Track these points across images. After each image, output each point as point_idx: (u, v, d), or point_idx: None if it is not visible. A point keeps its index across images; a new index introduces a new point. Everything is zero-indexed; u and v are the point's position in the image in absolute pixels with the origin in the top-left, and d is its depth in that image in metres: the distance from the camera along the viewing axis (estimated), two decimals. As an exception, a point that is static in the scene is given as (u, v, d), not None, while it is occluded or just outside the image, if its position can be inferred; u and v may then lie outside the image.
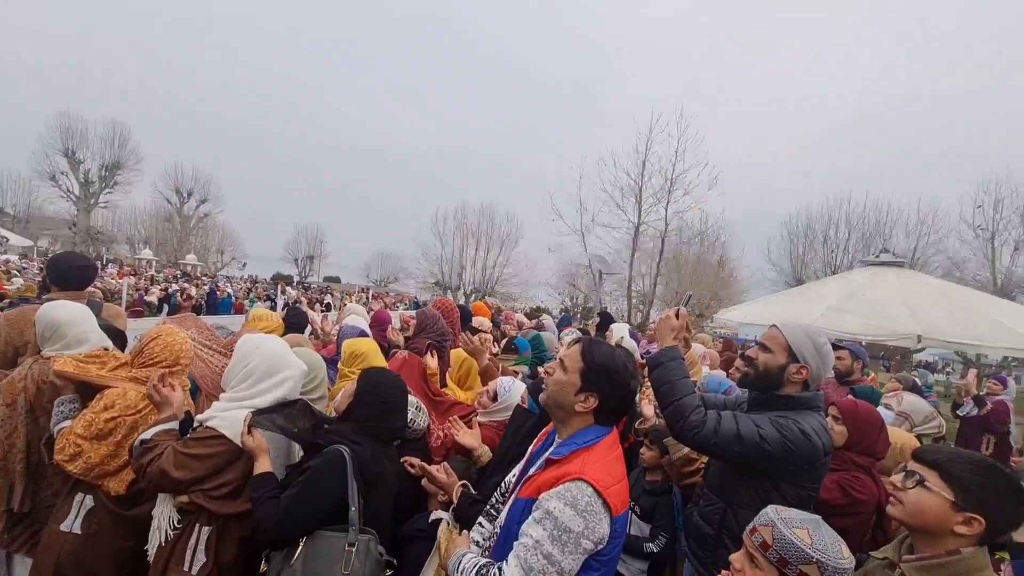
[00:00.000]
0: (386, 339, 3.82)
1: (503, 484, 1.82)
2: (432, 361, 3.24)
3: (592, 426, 1.54)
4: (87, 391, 2.14)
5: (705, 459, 2.27)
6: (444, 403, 3.05)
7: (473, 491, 1.98)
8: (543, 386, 1.70)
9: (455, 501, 1.91)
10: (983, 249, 21.38)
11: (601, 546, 1.38)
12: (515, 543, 1.40)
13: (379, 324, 4.01)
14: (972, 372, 7.40)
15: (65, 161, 33.74)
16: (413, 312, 5.79)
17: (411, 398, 2.63)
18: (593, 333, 5.20)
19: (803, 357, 1.89)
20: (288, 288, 28.20)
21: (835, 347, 4.21)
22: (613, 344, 2.91)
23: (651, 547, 2.40)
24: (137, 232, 40.14)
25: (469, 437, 2.54)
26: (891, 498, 1.43)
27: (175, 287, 18.91)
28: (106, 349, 2.36)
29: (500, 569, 1.39)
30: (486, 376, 3.44)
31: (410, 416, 2.53)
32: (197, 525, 1.81)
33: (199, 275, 30.11)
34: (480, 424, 2.77)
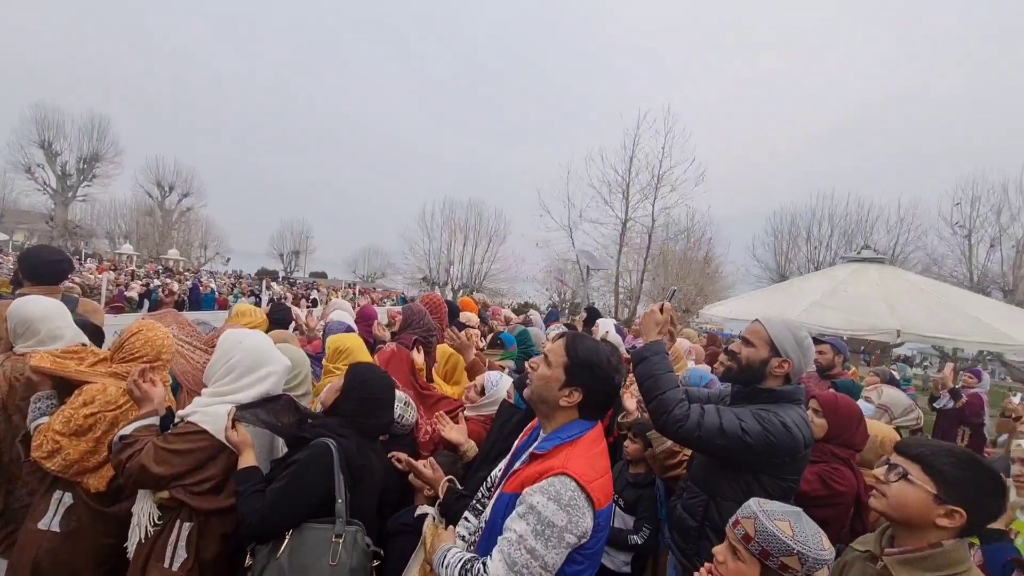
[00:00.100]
0: (372, 335, 3.80)
1: (489, 479, 1.83)
2: (418, 357, 3.22)
3: (576, 420, 1.55)
4: (64, 387, 2.09)
5: (688, 452, 2.30)
6: (432, 397, 3.05)
7: (459, 486, 1.98)
8: (528, 381, 1.70)
9: (441, 496, 1.91)
10: (960, 246, 21.92)
11: (585, 540, 1.39)
12: (499, 538, 1.41)
13: (365, 320, 3.98)
14: (949, 366, 7.58)
15: (41, 153, 32.77)
16: (400, 308, 5.76)
17: (400, 393, 2.62)
18: (580, 328, 5.22)
19: (785, 351, 1.91)
20: (273, 284, 27.88)
21: (817, 341, 4.29)
22: (599, 339, 2.92)
23: (635, 539, 2.42)
24: (117, 226, 39.35)
25: (455, 432, 2.53)
26: (874, 491, 1.44)
27: (156, 283, 18.56)
28: (84, 345, 2.31)
29: (484, 564, 1.39)
30: (473, 371, 3.44)
31: (398, 411, 2.52)
32: (178, 521, 1.79)
33: (181, 270, 29.59)
34: (467, 418, 2.77)
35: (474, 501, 1.78)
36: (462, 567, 1.43)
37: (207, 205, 42.51)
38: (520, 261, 28.89)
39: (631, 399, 2.58)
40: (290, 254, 47.43)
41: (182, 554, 1.75)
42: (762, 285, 22.86)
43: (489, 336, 5.01)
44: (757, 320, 2.02)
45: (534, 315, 7.18)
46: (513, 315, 7.19)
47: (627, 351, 3.38)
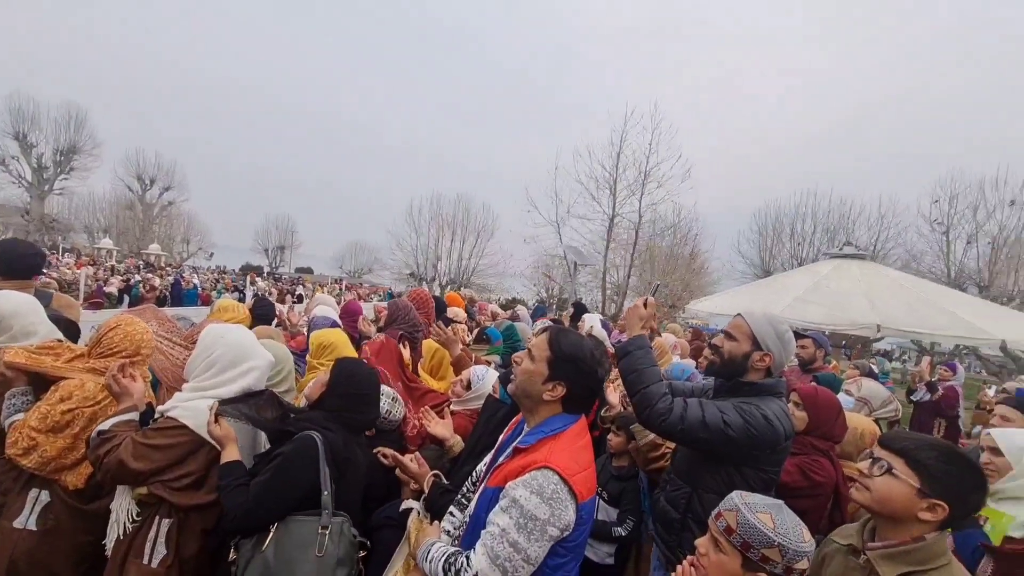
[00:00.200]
0: (357, 331, 3.77)
1: (474, 474, 1.83)
2: (404, 352, 3.21)
3: (560, 414, 1.55)
4: (40, 384, 2.05)
5: (671, 445, 2.33)
6: (419, 390, 3.05)
7: (445, 481, 1.97)
8: (512, 376, 1.70)
9: (426, 491, 1.91)
10: (939, 243, 22.36)
11: (567, 533, 1.40)
12: (482, 531, 1.41)
13: (349, 315, 3.94)
14: (925, 360, 7.76)
15: (16, 145, 31.78)
16: (386, 303, 5.72)
17: (388, 389, 2.61)
18: (567, 323, 5.24)
19: (766, 345, 1.94)
20: (258, 279, 27.52)
21: (799, 336, 4.36)
22: (584, 334, 2.93)
23: (619, 531, 2.45)
24: (96, 220, 38.43)
25: (441, 427, 2.53)
26: (857, 484, 1.44)
27: (137, 278, 18.21)
28: (59, 341, 2.26)
29: (467, 557, 1.40)
30: (459, 366, 3.43)
31: (386, 407, 2.51)
32: (157, 517, 1.76)
33: (163, 265, 29.03)
34: (454, 413, 2.78)
35: (459, 496, 1.79)
36: (445, 561, 1.43)
37: (189, 199, 41.78)
38: (508, 257, 28.82)
39: (614, 393, 2.60)
40: (275, 249, 46.77)
41: (161, 550, 1.73)
42: (747, 281, 23.13)
43: (475, 331, 5.01)
44: (739, 315, 2.05)
45: (521, 310, 7.19)
46: (500, 310, 7.19)
47: (613, 345, 3.41)
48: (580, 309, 5.87)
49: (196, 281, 20.44)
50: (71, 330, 2.56)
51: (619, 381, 2.22)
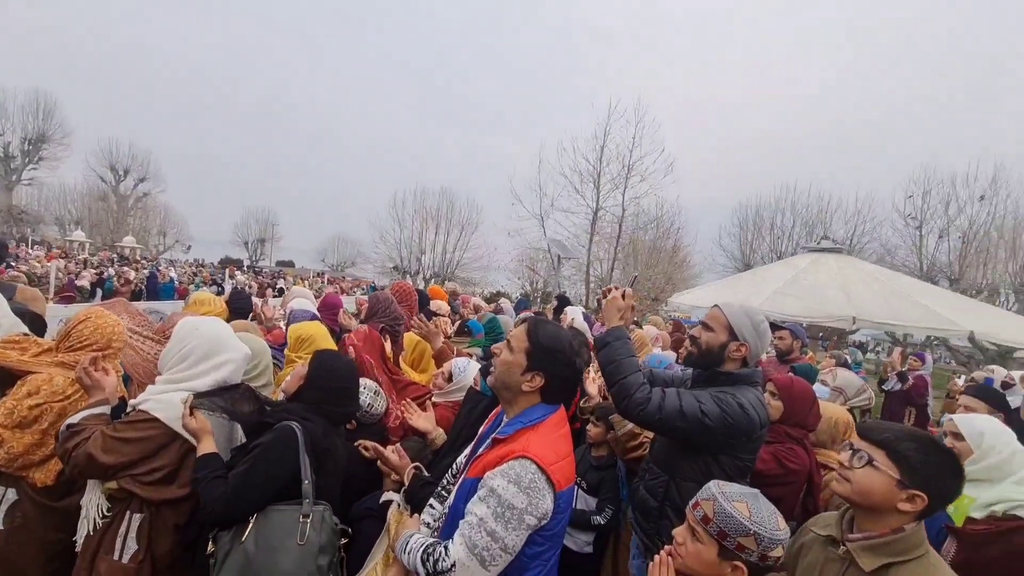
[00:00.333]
0: (337, 324, 3.73)
1: (454, 466, 1.83)
2: (386, 345, 3.19)
3: (538, 404, 1.56)
4: (5, 379, 1.98)
5: (648, 434, 2.35)
6: (401, 382, 3.03)
7: (426, 473, 1.97)
8: (491, 368, 1.70)
9: (406, 483, 1.91)
10: (912, 237, 22.96)
11: (545, 522, 1.41)
12: (460, 521, 1.41)
13: (329, 308, 3.90)
14: (897, 350, 7.99)
15: (-20, 133, 30.71)
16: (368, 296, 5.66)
17: (369, 382, 2.60)
18: (550, 317, 5.25)
19: (742, 335, 1.97)
20: (237, 273, 27.02)
21: (776, 327, 4.44)
22: (566, 326, 2.94)
23: (598, 519, 2.48)
24: (68, 212, 37.24)
25: (423, 420, 2.53)
26: (837, 476, 1.45)
27: (111, 271, 17.73)
28: (25, 335, 2.20)
29: (446, 548, 1.40)
30: (441, 359, 3.43)
31: (367, 400, 2.49)
32: (128, 512, 1.73)
33: (138, 258, 28.31)
34: (435, 404, 2.77)
35: (439, 488, 1.79)
36: (424, 552, 1.43)
37: (166, 190, 40.82)
38: (493, 250, 28.76)
39: (593, 384, 2.62)
40: (255, 242, 45.99)
41: (132, 546, 1.69)
42: (728, 274, 23.48)
43: (456, 324, 5.00)
44: (716, 306, 2.07)
45: (504, 304, 7.20)
46: (484, 303, 7.18)
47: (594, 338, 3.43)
48: (563, 302, 5.88)
49: (173, 275, 19.99)
50: (36, 324, 2.49)
51: (599, 372, 2.24)
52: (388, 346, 3.24)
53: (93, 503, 1.74)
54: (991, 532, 1.87)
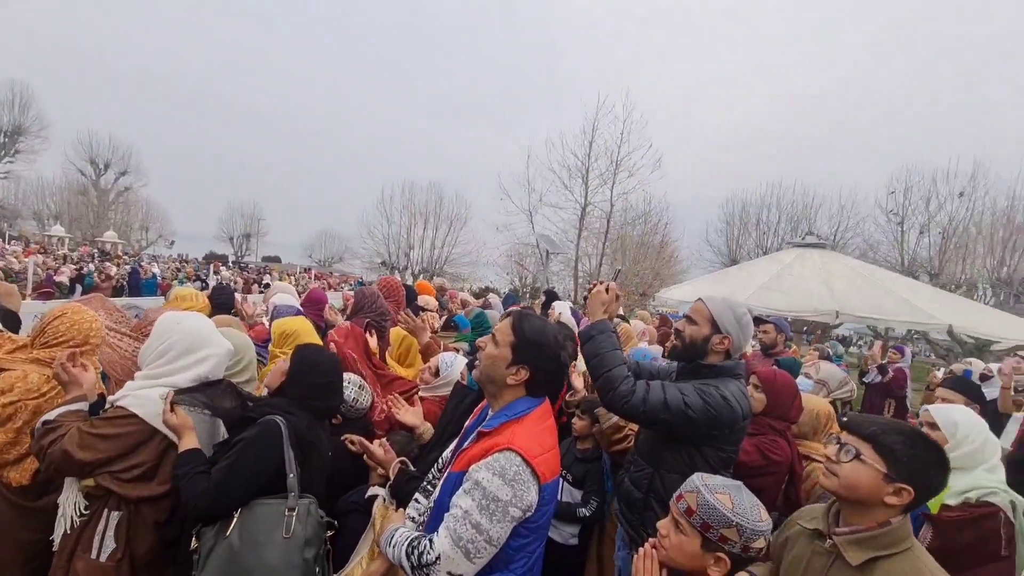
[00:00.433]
0: (323, 319, 3.69)
1: (440, 460, 1.83)
2: (371, 341, 3.17)
3: (523, 398, 1.56)
4: (-22, 377, 1.94)
5: (633, 427, 2.37)
6: (387, 377, 3.02)
7: (412, 468, 1.97)
8: (476, 362, 1.70)
9: (392, 478, 1.90)
10: (894, 232, 23.38)
11: (529, 514, 1.41)
12: (445, 515, 1.41)
13: (314, 304, 3.85)
14: (877, 344, 8.15)
15: (-46, 125, 29.79)
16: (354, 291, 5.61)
17: (354, 377, 2.58)
18: (538, 311, 5.26)
19: (725, 328, 1.99)
20: (222, 268, 26.65)
21: (761, 321, 4.50)
22: (553, 321, 2.95)
23: (583, 511, 2.50)
24: (46, 207, 36.35)
25: (411, 415, 2.52)
26: (824, 471, 1.45)
27: (91, 266, 17.38)
28: (-1, 330, 2.15)
29: (430, 541, 1.40)
30: (428, 354, 3.41)
31: (352, 395, 2.48)
32: (106, 510, 1.69)
33: (120, 254, 27.74)
34: (423, 399, 2.76)
35: (425, 482, 1.79)
36: (409, 545, 1.43)
37: (148, 184, 40.01)
38: (481, 246, 28.65)
39: (578, 378, 2.63)
40: (241, 237, 45.33)
41: (110, 544, 1.66)
42: (715, 269, 23.73)
43: (443, 318, 4.99)
44: (699, 299, 2.09)
45: (493, 298, 7.18)
46: (472, 298, 7.16)
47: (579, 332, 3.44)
48: (551, 297, 5.89)
49: (155, 270, 19.64)
50: (10, 320, 2.43)
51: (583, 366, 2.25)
52: (374, 341, 3.22)
53: (70, 501, 1.70)
54: (965, 518, 1.92)
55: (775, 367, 3.24)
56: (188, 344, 1.89)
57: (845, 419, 1.56)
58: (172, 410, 1.73)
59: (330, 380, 2.05)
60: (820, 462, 2.52)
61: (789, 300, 8.90)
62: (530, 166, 18.58)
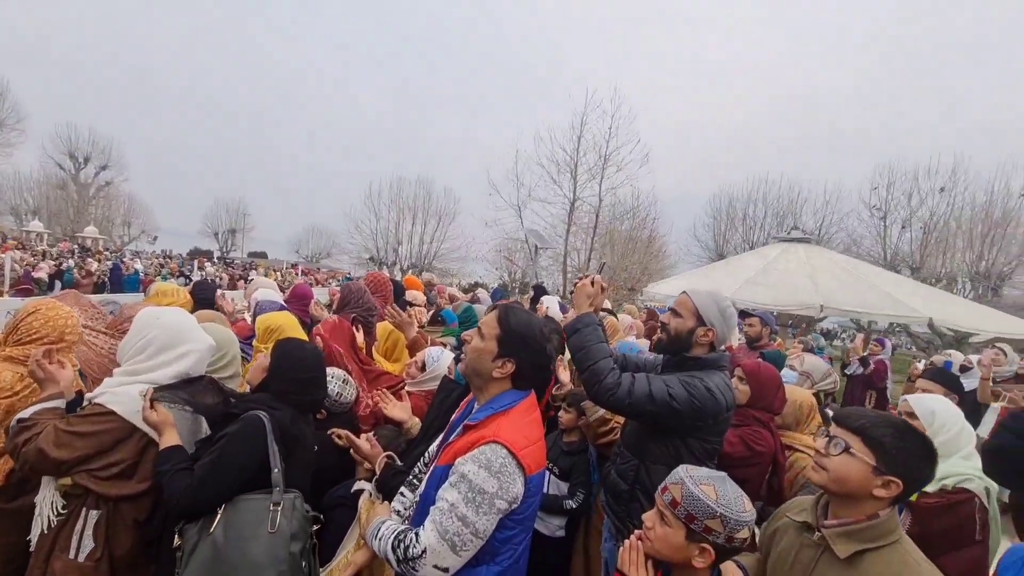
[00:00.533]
0: (308, 315, 3.65)
1: (426, 454, 1.82)
2: (358, 336, 3.15)
3: (509, 391, 1.56)
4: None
5: (619, 420, 2.39)
6: (373, 371, 3.00)
7: (398, 462, 1.96)
8: (462, 355, 1.69)
9: (378, 472, 1.89)
10: (877, 227, 23.74)
11: (515, 506, 1.42)
12: (432, 507, 1.41)
13: (299, 300, 3.81)
14: (859, 336, 8.29)
15: (-75, 118, 28.89)
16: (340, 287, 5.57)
17: (338, 371, 2.56)
18: (527, 306, 5.26)
19: (709, 320, 2.00)
20: (207, 264, 26.27)
21: (747, 315, 4.55)
22: (542, 315, 2.94)
23: (570, 503, 2.51)
24: (24, 201, 35.45)
25: (398, 410, 2.51)
26: (813, 464, 1.45)
27: (71, 262, 17.02)
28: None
29: (416, 534, 1.39)
30: (415, 349, 3.40)
31: (336, 389, 2.46)
32: (84, 509, 1.66)
33: (101, 249, 27.20)
34: (409, 393, 2.75)
35: (411, 476, 1.78)
36: (395, 538, 1.43)
37: (129, 179, 39.19)
38: (470, 241, 28.57)
39: (564, 371, 2.64)
40: (226, 233, 44.60)
41: (89, 544, 1.63)
42: (702, 264, 23.93)
43: (430, 313, 4.97)
44: (684, 292, 2.10)
45: (482, 293, 7.18)
46: (460, 293, 7.15)
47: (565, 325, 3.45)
48: (540, 292, 5.90)
49: (138, 266, 19.30)
50: (-18, 316, 2.37)
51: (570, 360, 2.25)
52: (360, 336, 3.19)
53: (47, 500, 1.66)
54: (942, 505, 1.97)
55: (760, 360, 3.28)
56: (168, 340, 1.85)
57: (828, 410, 1.57)
58: (152, 407, 1.70)
59: (313, 375, 2.03)
60: (803, 452, 2.57)
61: (775, 294, 9.01)
62: (519, 161, 18.56)
